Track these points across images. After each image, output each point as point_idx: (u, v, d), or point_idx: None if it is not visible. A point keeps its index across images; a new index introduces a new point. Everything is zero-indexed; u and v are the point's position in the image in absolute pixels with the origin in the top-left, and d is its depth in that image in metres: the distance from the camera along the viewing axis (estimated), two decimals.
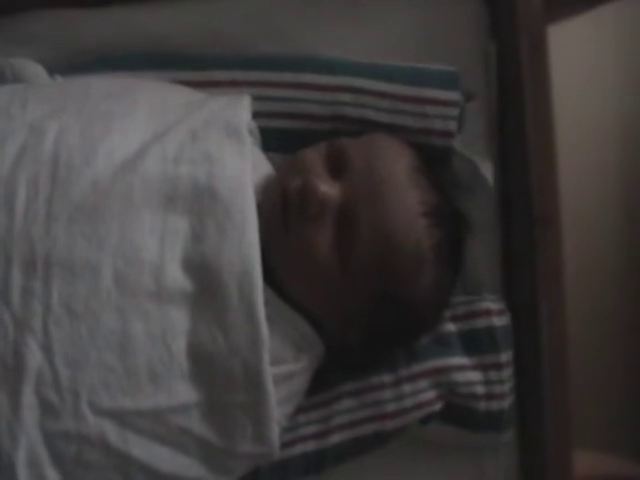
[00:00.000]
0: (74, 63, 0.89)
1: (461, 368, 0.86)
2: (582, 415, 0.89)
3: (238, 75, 0.88)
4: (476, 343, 0.87)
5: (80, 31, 0.91)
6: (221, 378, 0.70)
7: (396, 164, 0.78)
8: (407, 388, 0.84)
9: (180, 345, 0.69)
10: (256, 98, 0.85)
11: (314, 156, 0.80)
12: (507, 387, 0.87)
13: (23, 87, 0.81)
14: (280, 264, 0.76)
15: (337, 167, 0.78)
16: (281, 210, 0.76)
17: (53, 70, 0.88)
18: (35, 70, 0.87)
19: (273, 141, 0.88)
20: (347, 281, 0.75)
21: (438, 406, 0.86)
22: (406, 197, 0.76)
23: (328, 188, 0.76)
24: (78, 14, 0.91)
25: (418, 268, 0.77)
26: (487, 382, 0.86)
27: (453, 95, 0.87)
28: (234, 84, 0.88)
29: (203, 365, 0.70)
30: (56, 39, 0.90)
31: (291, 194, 0.76)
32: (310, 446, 0.84)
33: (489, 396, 0.86)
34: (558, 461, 0.87)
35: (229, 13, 0.92)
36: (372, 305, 0.77)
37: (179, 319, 0.70)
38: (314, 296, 0.77)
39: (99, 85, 0.81)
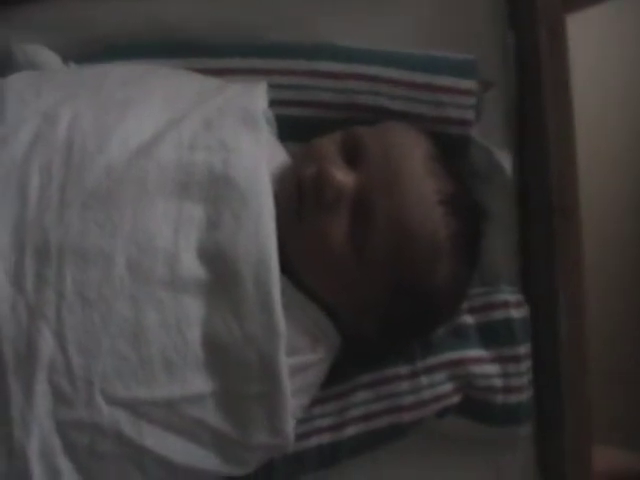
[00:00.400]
0: (87, 51, 0.88)
1: (479, 360, 0.85)
2: (600, 409, 0.88)
3: (253, 63, 0.87)
4: (494, 335, 0.86)
5: (95, 19, 0.90)
6: (236, 368, 0.70)
7: (412, 152, 0.77)
8: (424, 380, 0.84)
9: (195, 334, 0.69)
10: (271, 86, 0.84)
11: (329, 144, 0.79)
12: (525, 380, 0.86)
13: (37, 74, 0.81)
14: (295, 253, 0.75)
15: (352, 155, 0.77)
16: (296, 199, 0.75)
17: (67, 58, 0.87)
18: (48, 57, 0.87)
19: (288, 129, 0.87)
20: (362, 270, 0.74)
21: (455, 399, 0.85)
22: (422, 186, 0.75)
23: (343, 176, 0.75)
24: (93, 2, 0.90)
25: (434, 257, 0.75)
26: (505, 375, 0.85)
27: (470, 83, 0.86)
28: (249, 72, 0.87)
29: (218, 355, 0.69)
30: (71, 27, 0.89)
31: (306, 182, 0.75)
32: (325, 439, 0.83)
33: (507, 389, 0.85)
34: (577, 455, 0.86)
35: (243, 0, 0.91)
36: (388, 295, 0.76)
37: (194, 308, 0.69)
38: (329, 285, 0.76)
39: (114, 72, 0.81)
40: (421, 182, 0.75)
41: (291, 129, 0.87)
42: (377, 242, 0.74)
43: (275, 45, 0.89)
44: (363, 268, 0.74)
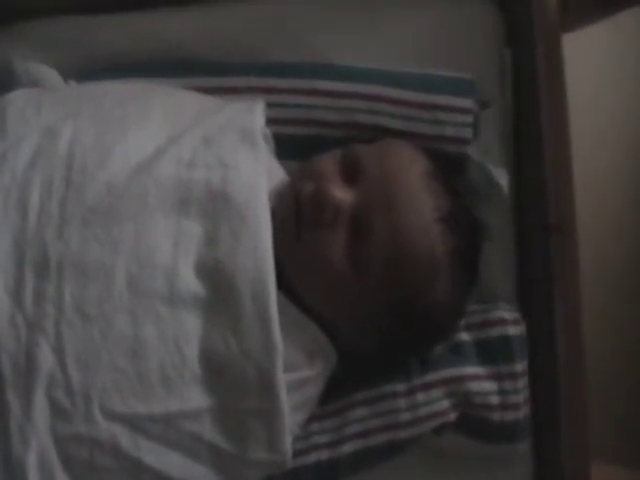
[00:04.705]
0: (90, 69, 0.89)
1: (476, 378, 0.85)
2: (599, 427, 0.88)
3: (253, 82, 0.88)
4: (491, 353, 0.86)
5: (96, 37, 0.91)
6: (234, 384, 0.70)
7: (410, 170, 0.77)
8: (421, 397, 0.84)
9: (193, 350, 0.69)
10: (271, 104, 0.85)
11: (328, 162, 0.79)
12: (522, 397, 0.86)
13: (38, 91, 0.81)
14: (293, 270, 0.76)
15: (351, 173, 0.78)
16: (294, 216, 0.75)
17: (68, 76, 0.88)
18: (50, 75, 0.87)
19: (287, 148, 0.87)
20: (360, 287, 0.74)
21: (452, 416, 0.85)
22: (420, 203, 0.75)
23: (341, 194, 0.75)
24: (94, 20, 0.92)
25: (432, 274, 0.76)
26: (502, 392, 0.85)
27: (467, 102, 0.87)
28: (249, 90, 0.87)
29: (216, 370, 0.69)
30: (72, 45, 0.90)
31: (304, 200, 0.75)
32: (323, 455, 0.83)
33: (504, 406, 0.85)
34: (575, 472, 0.86)
35: (244, 19, 0.92)
36: (386, 311, 0.76)
37: (192, 323, 0.69)
38: (327, 301, 0.76)
39: (114, 90, 0.81)
40: (419, 199, 0.76)
41: (291, 147, 0.88)
42: (375, 259, 0.74)
43: (275, 64, 0.90)
44: (361, 284, 0.74)
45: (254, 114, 0.81)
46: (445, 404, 0.84)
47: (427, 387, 0.84)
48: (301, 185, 0.77)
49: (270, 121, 0.85)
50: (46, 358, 0.66)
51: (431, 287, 0.76)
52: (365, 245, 0.74)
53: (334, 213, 0.74)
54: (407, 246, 0.74)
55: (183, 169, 0.73)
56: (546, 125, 0.88)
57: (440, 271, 0.76)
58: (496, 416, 0.85)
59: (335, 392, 0.83)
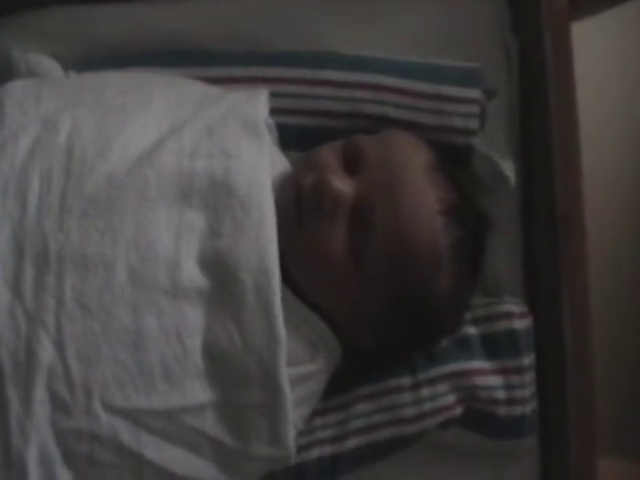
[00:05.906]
0: (90, 59, 0.88)
1: (482, 372, 0.85)
2: (606, 421, 0.87)
3: (256, 71, 0.87)
4: (497, 346, 0.85)
5: (95, 27, 0.90)
6: (236, 378, 0.69)
7: (413, 161, 0.76)
8: (426, 392, 0.83)
9: (195, 343, 0.68)
10: (274, 95, 0.84)
11: (329, 153, 0.78)
12: (528, 392, 0.85)
13: (37, 82, 0.81)
14: (295, 262, 0.75)
15: (353, 164, 0.77)
16: (295, 207, 0.75)
17: (68, 66, 0.87)
18: (50, 66, 0.87)
19: (291, 138, 0.87)
20: (362, 279, 0.74)
21: (458, 411, 0.84)
22: (422, 194, 0.74)
23: (342, 185, 0.74)
24: (94, 10, 0.91)
25: (435, 267, 0.75)
26: (508, 387, 0.85)
27: (473, 92, 0.85)
28: (252, 80, 0.87)
29: (218, 364, 0.69)
30: (72, 35, 0.89)
31: (305, 191, 0.74)
32: (326, 450, 0.82)
33: (510, 401, 0.84)
34: (582, 468, 0.85)
35: (246, 9, 0.91)
36: (388, 304, 0.75)
37: (194, 316, 0.68)
38: (329, 294, 0.75)
39: (114, 80, 0.81)
40: (421, 191, 0.75)
41: (295, 138, 0.87)
42: (376, 251, 0.73)
43: (279, 54, 0.89)
44: (362, 277, 0.74)
45: (257, 103, 0.80)
46: (451, 399, 0.83)
47: (432, 381, 0.83)
48: (302, 176, 0.76)
49: (274, 111, 0.84)
50: (46, 351, 0.65)
51: (434, 280, 0.75)
52: (366, 236, 0.73)
53: (334, 203, 0.73)
54: (409, 238, 0.73)
55: (185, 159, 0.72)
56: (554, 115, 0.87)
57: (443, 264, 0.75)
58: (502, 411, 0.84)
59: (339, 386, 0.82)
